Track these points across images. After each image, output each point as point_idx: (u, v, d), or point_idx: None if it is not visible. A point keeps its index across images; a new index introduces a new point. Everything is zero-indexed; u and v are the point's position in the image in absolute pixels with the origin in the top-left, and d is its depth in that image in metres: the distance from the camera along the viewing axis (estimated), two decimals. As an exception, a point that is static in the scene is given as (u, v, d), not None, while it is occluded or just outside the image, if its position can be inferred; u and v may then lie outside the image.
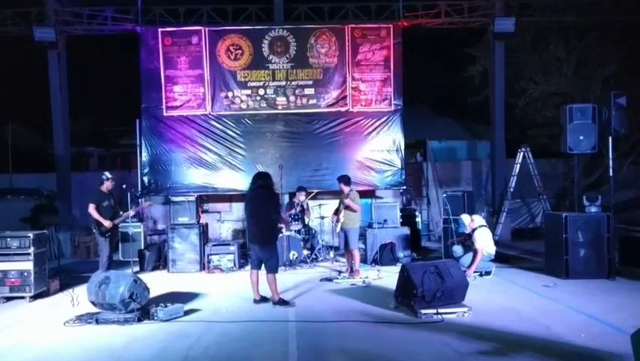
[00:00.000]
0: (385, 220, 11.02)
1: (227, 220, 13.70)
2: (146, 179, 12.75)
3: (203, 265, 10.47)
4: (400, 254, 10.67)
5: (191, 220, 10.67)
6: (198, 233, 10.52)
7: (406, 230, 11.04)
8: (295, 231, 10.89)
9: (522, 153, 13.25)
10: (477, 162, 15.87)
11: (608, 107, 9.09)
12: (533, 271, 9.45)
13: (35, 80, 14.32)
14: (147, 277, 8.25)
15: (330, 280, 9.05)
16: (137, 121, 12.86)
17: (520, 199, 14.71)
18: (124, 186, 9.56)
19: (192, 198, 10.96)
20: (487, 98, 14.09)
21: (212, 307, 7.42)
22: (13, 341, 5.99)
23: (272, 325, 6.41)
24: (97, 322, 6.52)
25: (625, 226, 9.21)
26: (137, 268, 10.49)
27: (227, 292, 8.45)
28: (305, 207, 11.40)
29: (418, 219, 12.98)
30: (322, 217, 12.24)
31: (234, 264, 10.47)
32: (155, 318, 6.58)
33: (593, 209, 9.00)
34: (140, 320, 6.54)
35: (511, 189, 13.22)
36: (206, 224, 11.80)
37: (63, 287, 8.75)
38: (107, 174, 9.43)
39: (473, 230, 9.07)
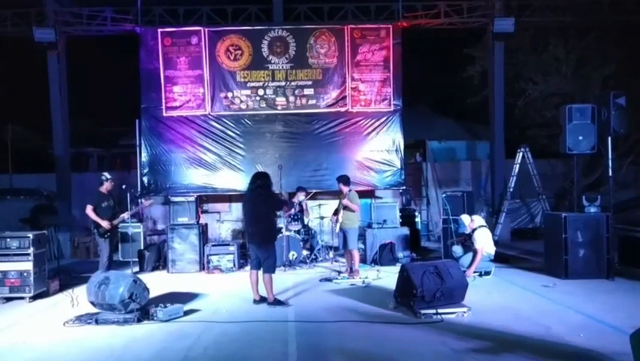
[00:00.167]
0: (385, 220, 11.03)
1: (227, 220, 13.69)
2: (145, 179, 12.75)
3: (203, 265, 10.47)
4: (400, 254, 10.67)
5: (191, 221, 10.68)
6: (198, 233, 10.53)
7: (406, 230, 11.05)
8: (295, 231, 10.89)
9: (521, 153, 13.25)
10: (476, 162, 15.88)
11: (607, 108, 9.10)
12: (533, 271, 9.46)
13: (35, 81, 14.34)
14: (147, 278, 8.24)
15: (329, 280, 9.05)
16: (137, 121, 12.87)
17: (519, 199, 14.72)
18: (123, 186, 9.57)
19: (192, 199, 10.97)
20: (486, 99, 14.11)
21: (212, 307, 7.42)
22: (13, 342, 5.99)
23: (271, 325, 6.42)
24: (96, 322, 6.52)
25: (624, 226, 9.21)
26: (136, 269, 10.50)
27: (226, 292, 8.45)
28: (304, 207, 11.40)
29: (418, 220, 12.97)
30: (322, 217, 12.25)
31: (234, 264, 10.47)
32: (155, 318, 6.58)
33: (593, 209, 9.00)
34: (139, 321, 6.54)
35: (511, 190, 13.22)
36: (206, 224, 11.80)
37: (63, 288, 8.75)
38: (107, 174, 9.43)
39: (473, 230, 9.07)
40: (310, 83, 12.91)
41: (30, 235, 8.06)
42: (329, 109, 12.93)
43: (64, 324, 6.57)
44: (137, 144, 12.91)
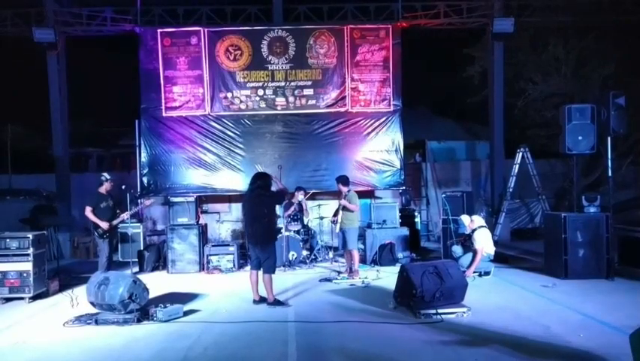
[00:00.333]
0: (384, 221, 11.03)
1: (227, 221, 13.69)
2: (145, 179, 12.74)
3: (203, 265, 10.47)
4: (400, 254, 10.68)
5: (191, 221, 10.67)
6: (197, 234, 10.53)
7: (405, 230, 11.05)
8: (294, 231, 10.89)
9: (521, 154, 13.26)
10: (476, 162, 15.89)
11: (606, 108, 9.10)
12: (532, 272, 9.46)
13: (34, 81, 14.32)
14: (146, 278, 8.24)
15: (329, 280, 9.05)
16: (137, 122, 12.87)
17: (519, 199, 14.72)
18: (123, 186, 9.57)
19: (191, 199, 10.96)
20: (486, 99, 14.10)
21: (212, 307, 7.42)
22: (13, 342, 5.99)
23: (271, 325, 6.42)
24: (96, 322, 6.52)
25: (624, 226, 9.21)
26: (136, 269, 10.51)
27: (226, 292, 8.45)
28: (304, 207, 11.40)
29: (417, 220, 12.98)
30: (321, 218, 12.24)
31: (233, 264, 10.47)
32: (155, 319, 6.58)
33: (592, 209, 9.00)
34: (139, 321, 6.54)
35: (510, 190, 13.23)
36: (206, 225, 11.79)
37: (62, 288, 8.75)
38: (106, 175, 9.44)
39: (473, 230, 9.08)
40: (310, 83, 12.91)
41: (30, 235, 8.06)
42: (328, 109, 12.93)
43: (63, 324, 6.57)
44: (137, 144, 12.91)
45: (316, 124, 12.90)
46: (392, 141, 12.93)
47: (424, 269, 6.78)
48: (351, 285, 8.73)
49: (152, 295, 7.20)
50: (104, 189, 9.21)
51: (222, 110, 12.87)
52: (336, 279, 9.06)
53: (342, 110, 12.93)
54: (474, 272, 8.89)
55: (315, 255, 11.16)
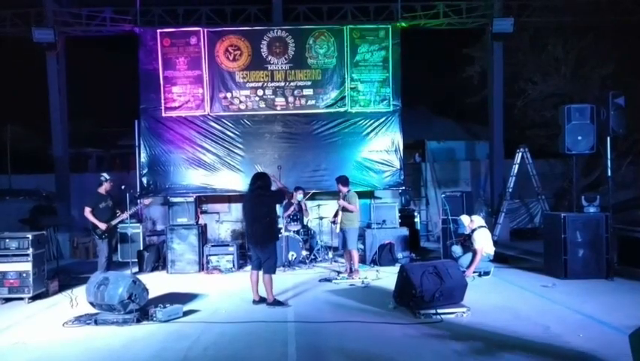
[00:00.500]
0: (384, 221, 11.03)
1: (226, 221, 13.70)
2: (144, 180, 12.74)
3: (202, 265, 10.47)
4: (399, 254, 10.68)
5: (190, 221, 10.67)
6: (197, 234, 10.52)
7: (405, 230, 11.05)
8: (294, 231, 10.89)
9: (520, 154, 13.27)
10: (476, 162, 15.89)
11: (606, 108, 9.09)
12: (532, 272, 9.46)
13: (34, 81, 14.31)
14: (146, 278, 8.25)
15: (329, 280, 9.05)
16: (136, 122, 12.86)
17: (518, 199, 14.73)
18: (122, 187, 9.57)
19: (191, 199, 10.96)
20: (485, 99, 14.12)
21: (211, 307, 7.42)
22: (12, 342, 5.99)
23: (271, 325, 6.42)
24: (96, 323, 6.52)
25: (624, 226, 9.22)
26: (135, 269, 10.51)
27: (226, 292, 8.45)
28: (303, 207, 11.40)
29: (417, 220, 12.99)
30: (321, 218, 12.23)
31: (233, 265, 10.47)
32: (154, 319, 6.58)
33: (592, 209, 9.00)
34: (139, 321, 6.54)
35: (510, 190, 13.23)
36: (205, 225, 11.79)
37: (62, 288, 8.74)
38: (105, 175, 9.45)
39: (473, 231, 9.08)
40: (309, 83, 12.91)
41: (29, 235, 8.05)
42: (328, 109, 12.93)
43: (63, 325, 6.57)
44: (137, 144, 12.91)
45: (316, 124, 12.90)
46: (392, 141, 12.93)
47: (424, 269, 6.78)
48: (351, 285, 8.73)
49: (151, 295, 7.20)
50: (103, 189, 9.22)
51: (222, 110, 12.87)
52: (336, 279, 9.06)
53: (342, 110, 12.93)
54: (474, 272, 8.89)
55: (314, 255, 11.16)
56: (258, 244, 7.43)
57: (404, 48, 13.09)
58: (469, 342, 5.56)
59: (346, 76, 12.90)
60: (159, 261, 11.02)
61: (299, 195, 11.26)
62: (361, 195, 10.81)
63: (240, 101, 12.88)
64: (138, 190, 12.50)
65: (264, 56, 12.85)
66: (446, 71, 17.27)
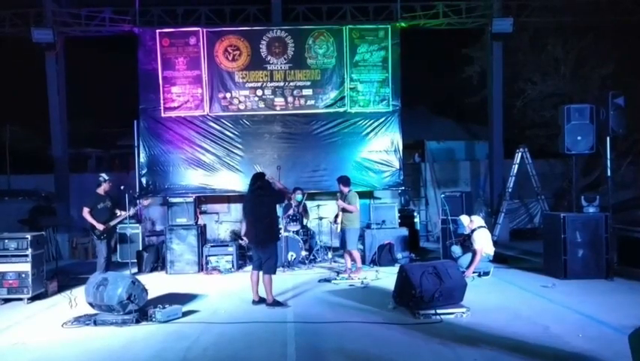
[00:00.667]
0: (384, 221, 11.02)
1: (226, 221, 13.67)
2: (144, 180, 12.74)
3: (202, 266, 10.45)
4: (399, 255, 10.67)
5: (190, 221, 10.65)
6: (196, 234, 10.51)
7: (405, 231, 11.03)
8: (293, 232, 10.88)
9: (520, 154, 13.27)
10: (475, 162, 15.88)
11: (605, 108, 9.10)
12: (532, 272, 9.46)
13: (33, 81, 14.30)
14: (145, 279, 8.27)
15: (328, 281, 9.04)
16: (135, 122, 12.86)
17: (518, 200, 14.72)
18: (122, 187, 9.56)
19: (190, 200, 10.94)
20: (485, 99, 14.12)
21: (211, 308, 7.41)
22: (12, 343, 5.98)
23: (270, 326, 6.41)
24: (95, 323, 6.51)
25: (623, 226, 9.21)
26: (135, 270, 10.50)
27: (225, 293, 8.44)
28: (305, 208, 11.39)
29: (417, 220, 12.98)
30: (320, 218, 12.23)
31: (232, 265, 10.46)
32: (154, 319, 6.58)
33: (592, 209, 9.00)
34: (138, 322, 6.53)
35: (510, 190, 13.23)
36: (204, 225, 11.77)
37: (61, 289, 8.73)
38: (104, 175, 9.43)
39: (472, 231, 9.07)
40: (309, 83, 12.91)
41: (28, 236, 8.05)
42: (327, 109, 12.93)
43: (62, 325, 6.56)
44: (136, 144, 12.91)
45: (315, 124, 12.90)
46: (391, 141, 12.94)
47: (423, 269, 6.77)
48: (351, 285, 8.71)
49: (150, 295, 7.19)
50: (102, 189, 9.21)
51: (221, 110, 12.87)
52: (335, 279, 9.05)
53: (341, 110, 12.93)
54: (473, 272, 8.88)
55: (314, 255, 11.15)
56: (260, 245, 7.42)
57: (403, 48, 13.09)
58: (469, 343, 5.55)
59: (346, 76, 12.90)
60: (158, 261, 11.00)
61: (298, 196, 11.25)
62: (361, 195, 10.79)
63: (239, 102, 12.87)
64: (137, 190, 12.50)
65: (263, 56, 12.85)
66: (446, 71, 17.28)
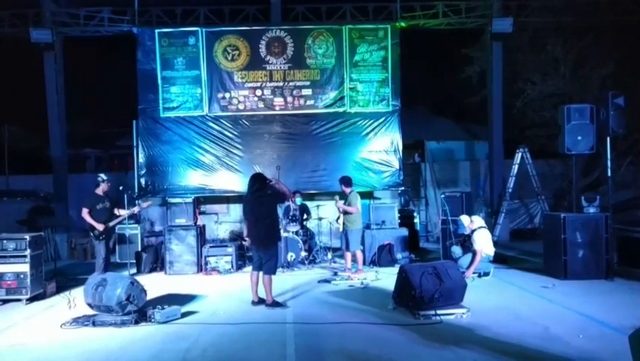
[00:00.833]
0: (383, 221, 10.99)
1: (225, 222, 13.64)
2: (143, 180, 12.73)
3: (201, 266, 10.43)
4: (399, 255, 10.65)
5: (189, 222, 10.61)
6: (195, 235, 10.48)
7: (404, 231, 11.01)
8: (293, 232, 10.86)
9: (520, 154, 13.27)
10: (475, 162, 15.88)
11: (605, 108, 9.08)
12: (532, 272, 9.44)
13: (32, 82, 14.31)
14: (144, 279, 8.25)
15: (328, 281, 9.02)
16: (134, 122, 12.85)
17: (518, 200, 14.72)
18: (120, 187, 9.54)
19: (189, 200, 10.91)
20: (485, 99, 14.12)
21: (210, 309, 7.39)
22: (10, 344, 5.96)
23: (270, 327, 6.39)
24: (94, 324, 6.49)
25: (623, 226, 9.20)
26: (134, 270, 10.48)
27: (224, 293, 8.42)
28: (306, 209, 11.38)
29: (417, 220, 12.98)
30: (320, 218, 12.21)
31: (232, 265, 10.43)
32: (153, 320, 6.55)
33: (592, 209, 8.98)
34: (137, 322, 6.51)
35: (510, 190, 13.23)
36: (204, 226, 11.74)
37: (60, 289, 8.70)
38: (103, 175, 9.40)
39: (472, 231, 9.05)
40: (308, 83, 12.91)
41: (27, 236, 8.02)
42: (327, 109, 12.93)
43: (61, 326, 6.53)
44: (135, 145, 12.90)
45: (315, 124, 12.90)
46: (391, 142, 12.94)
47: (423, 270, 6.76)
48: (350, 286, 8.69)
49: (149, 296, 7.17)
50: (101, 190, 9.18)
51: (220, 110, 12.86)
52: (335, 280, 9.02)
53: (341, 110, 12.93)
54: (473, 273, 8.86)
55: (313, 256, 11.13)
56: (261, 245, 7.40)
57: (403, 48, 13.10)
58: (469, 343, 5.53)
59: (345, 76, 12.89)
60: (157, 262, 10.96)
61: (297, 199, 11.24)
62: (360, 195, 10.77)
63: (239, 102, 12.87)
64: (136, 191, 12.49)
65: (262, 56, 12.84)
66: (445, 71, 17.28)
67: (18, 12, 13.02)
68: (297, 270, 10.35)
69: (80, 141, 17.98)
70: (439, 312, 6.46)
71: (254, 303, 7.44)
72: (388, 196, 13.69)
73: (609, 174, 9.52)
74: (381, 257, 10.55)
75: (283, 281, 8.92)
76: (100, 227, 8.94)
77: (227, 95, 12.86)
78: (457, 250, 9.32)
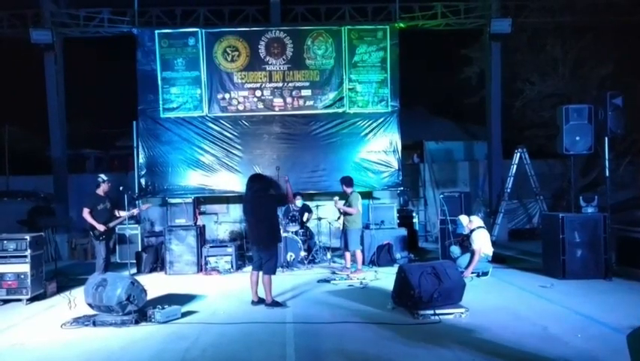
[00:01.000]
0: (383, 221, 11.02)
1: (225, 222, 13.67)
2: (143, 181, 12.75)
3: (201, 266, 10.45)
4: (398, 255, 10.68)
5: (189, 222, 10.64)
6: (195, 235, 10.50)
7: (404, 231, 11.04)
8: (292, 232, 10.88)
9: (519, 154, 13.30)
10: (474, 162, 15.89)
11: (604, 108, 9.10)
12: (530, 272, 9.46)
13: (32, 82, 14.33)
14: (144, 279, 8.26)
15: (327, 281, 9.04)
16: (134, 123, 12.87)
17: (517, 200, 14.74)
18: (121, 188, 9.56)
19: (189, 200, 10.93)
20: (483, 99, 14.14)
21: (210, 308, 7.41)
22: (11, 344, 5.97)
23: (269, 326, 6.41)
24: (94, 324, 6.50)
25: (622, 226, 9.22)
26: (134, 270, 10.50)
27: (224, 293, 8.44)
28: (306, 216, 11.40)
29: (415, 220, 13.01)
30: (319, 218, 12.22)
31: (232, 265, 10.45)
32: (153, 320, 6.57)
33: (590, 209, 9.00)
34: (137, 322, 6.52)
35: (508, 190, 13.26)
36: (204, 226, 11.76)
37: (60, 290, 8.72)
38: (103, 176, 9.42)
39: (471, 231, 9.08)
40: (307, 84, 12.93)
41: (27, 236, 8.04)
42: (326, 110, 12.96)
43: (61, 326, 6.54)
44: (135, 145, 12.92)
45: (314, 125, 12.93)
46: (390, 142, 12.96)
47: (422, 270, 6.77)
48: (350, 286, 8.71)
49: (150, 296, 7.18)
50: (101, 190, 9.20)
51: (220, 111, 12.89)
52: (334, 280, 9.05)
53: (340, 110, 12.96)
54: (472, 273, 8.88)
55: (313, 256, 11.15)
56: (261, 245, 7.42)
57: (402, 49, 13.12)
58: (468, 343, 5.55)
59: (344, 77, 12.92)
60: (157, 262, 10.99)
61: (298, 202, 11.26)
62: (360, 195, 10.82)
63: (238, 102, 12.89)
64: (136, 191, 12.51)
65: (262, 57, 12.87)
66: (444, 71, 17.27)
67: (17, 12, 13.04)
68: (296, 270, 10.38)
69: (80, 141, 17.99)
70: (437, 312, 6.48)
71: (254, 303, 7.46)
72: (387, 196, 13.71)
73: (607, 174, 9.54)
74: (381, 257, 10.58)
75: (283, 281, 8.94)
76: (101, 227, 8.96)
77: (226, 95, 12.89)
78: (455, 249, 9.34)
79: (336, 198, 10.11)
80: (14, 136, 17.03)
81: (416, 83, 16.50)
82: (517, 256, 11.29)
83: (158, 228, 13.25)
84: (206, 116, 12.86)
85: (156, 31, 12.83)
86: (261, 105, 12.92)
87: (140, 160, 12.79)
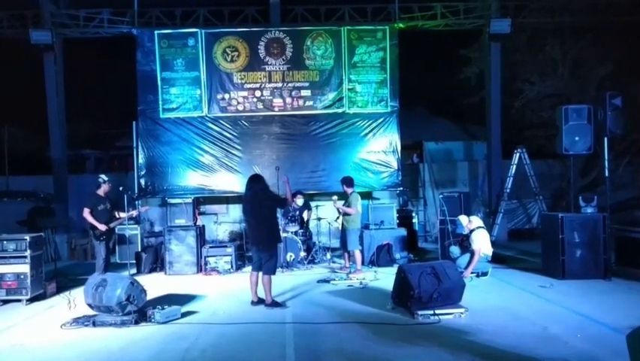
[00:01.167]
0: (382, 221, 11.02)
1: (224, 222, 13.67)
2: (142, 181, 12.76)
3: (200, 267, 10.45)
4: (397, 255, 10.68)
5: (188, 222, 10.64)
6: (195, 235, 10.50)
7: (403, 231, 11.04)
8: (292, 232, 10.88)
9: (518, 154, 13.30)
10: (473, 163, 15.90)
11: (603, 108, 9.12)
12: (530, 272, 9.46)
13: (32, 83, 14.32)
14: (144, 280, 8.27)
15: (327, 281, 9.04)
16: (134, 123, 12.88)
17: (516, 200, 14.75)
18: (120, 188, 9.56)
19: (189, 200, 10.93)
20: (483, 100, 14.14)
21: (210, 309, 7.41)
22: (10, 344, 5.97)
23: (269, 327, 6.41)
24: (94, 324, 6.51)
25: (621, 226, 9.23)
26: (133, 271, 10.50)
27: (224, 294, 8.44)
28: (306, 216, 11.40)
29: (415, 220, 13.01)
30: (319, 219, 12.22)
31: (231, 266, 10.45)
32: (152, 320, 6.58)
33: (589, 210, 9.01)
34: (137, 323, 6.53)
35: (508, 190, 13.26)
36: (203, 226, 11.75)
37: (60, 290, 8.73)
38: (104, 176, 9.43)
39: (471, 231, 9.08)
40: (307, 84, 12.94)
41: (27, 237, 8.04)
42: (326, 110, 12.97)
43: (61, 326, 6.55)
44: (134, 145, 12.93)
45: (314, 125, 12.94)
46: (389, 142, 12.98)
47: (422, 270, 6.78)
48: (349, 286, 8.72)
49: (149, 296, 7.19)
50: (101, 190, 9.21)
51: (219, 111, 12.90)
52: (334, 280, 9.05)
53: (340, 111, 12.97)
54: (471, 273, 8.89)
55: (312, 256, 11.15)
56: (261, 246, 7.42)
57: (402, 49, 13.14)
58: (467, 343, 5.56)
59: (344, 77, 12.93)
60: (157, 262, 10.99)
61: (299, 200, 11.26)
62: (359, 195, 10.82)
63: (238, 102, 12.90)
64: (136, 192, 12.51)
65: (261, 57, 12.88)
66: (444, 71, 17.26)
67: (17, 13, 13.05)
68: (296, 270, 10.38)
69: (80, 141, 17.97)
70: (437, 312, 6.48)
71: (253, 303, 7.46)
72: (387, 196, 13.72)
73: (607, 174, 9.55)
74: (380, 257, 10.58)
75: (282, 281, 8.95)
76: (102, 227, 8.96)
77: (226, 96, 12.90)
78: (455, 249, 9.35)
79: (335, 197, 10.12)
80: (14, 136, 17.02)
81: (416, 83, 16.50)
82: (516, 256, 11.30)
83: (157, 228, 13.27)
84: (206, 116, 12.87)
85: (156, 32, 12.84)
86: (260, 105, 12.93)
87: (140, 160, 12.80)
